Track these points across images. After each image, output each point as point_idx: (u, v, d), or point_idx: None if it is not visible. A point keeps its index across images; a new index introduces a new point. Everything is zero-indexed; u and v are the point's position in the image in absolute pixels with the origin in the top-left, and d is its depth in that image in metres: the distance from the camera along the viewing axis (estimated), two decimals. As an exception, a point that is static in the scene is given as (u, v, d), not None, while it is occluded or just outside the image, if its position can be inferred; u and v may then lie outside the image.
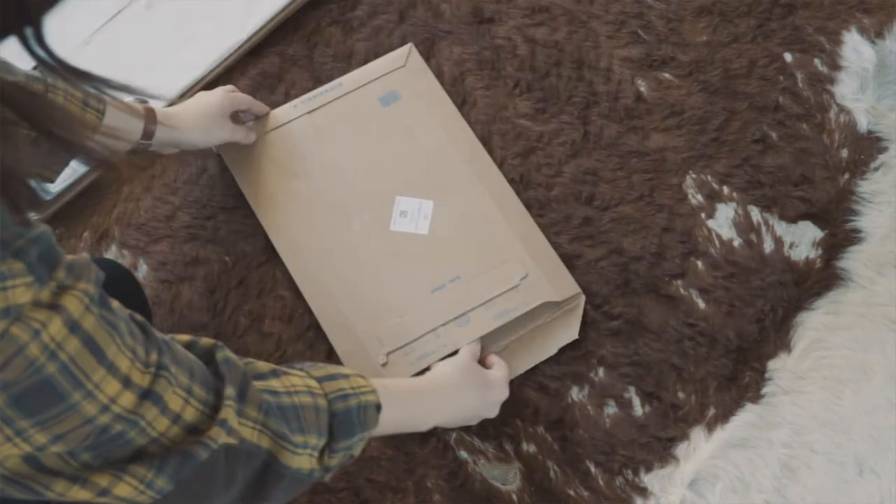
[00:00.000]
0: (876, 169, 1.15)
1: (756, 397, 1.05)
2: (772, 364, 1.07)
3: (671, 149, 1.15)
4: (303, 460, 0.70)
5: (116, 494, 0.59)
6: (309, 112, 1.15)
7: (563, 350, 1.06)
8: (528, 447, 1.04)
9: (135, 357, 0.58)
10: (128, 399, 0.57)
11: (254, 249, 1.13)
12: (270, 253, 1.12)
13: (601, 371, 1.06)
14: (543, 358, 1.06)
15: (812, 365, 1.07)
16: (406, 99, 1.16)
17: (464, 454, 1.04)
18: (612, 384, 1.06)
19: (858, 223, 1.12)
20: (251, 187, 1.12)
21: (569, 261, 1.10)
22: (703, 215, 1.12)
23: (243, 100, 1.11)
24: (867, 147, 1.15)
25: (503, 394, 0.99)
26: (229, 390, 0.65)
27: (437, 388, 0.93)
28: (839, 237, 1.12)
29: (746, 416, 1.05)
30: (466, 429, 1.04)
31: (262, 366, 0.74)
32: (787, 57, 1.20)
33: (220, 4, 1.22)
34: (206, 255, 1.13)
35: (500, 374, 1.00)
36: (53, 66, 0.53)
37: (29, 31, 0.51)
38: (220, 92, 1.09)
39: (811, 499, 1.02)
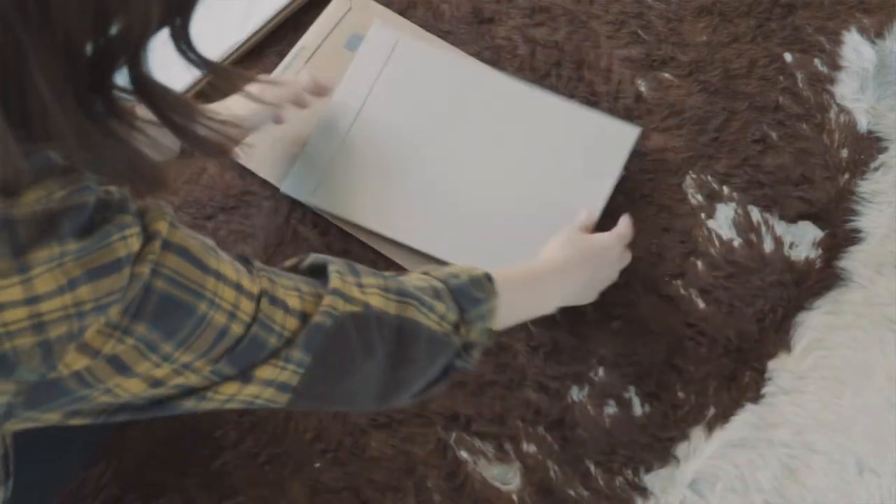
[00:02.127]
0: (876, 169, 1.15)
1: (756, 397, 1.05)
2: (772, 364, 1.07)
3: (671, 149, 1.15)
4: (433, 321, 0.73)
5: (260, 377, 0.63)
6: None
7: (563, 350, 1.06)
8: (528, 447, 1.04)
9: (237, 267, 0.62)
10: (247, 304, 0.61)
11: (254, 249, 1.13)
12: (271, 253, 1.12)
13: (601, 371, 1.06)
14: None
15: (812, 365, 1.07)
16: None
17: (464, 454, 1.04)
18: (612, 384, 1.06)
19: (858, 223, 1.12)
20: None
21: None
22: (703, 215, 1.12)
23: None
24: (867, 147, 1.15)
25: (617, 257, 0.99)
26: (335, 267, 0.70)
27: (545, 270, 0.92)
28: (839, 237, 1.12)
29: (746, 416, 1.05)
30: (466, 429, 1.04)
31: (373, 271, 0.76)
32: (787, 57, 1.20)
33: (220, 4, 1.22)
34: (206, 255, 1.13)
35: (607, 239, 0.99)
36: (192, 57, 0.56)
37: (178, 21, 0.54)
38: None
39: (811, 499, 1.02)
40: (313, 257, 0.74)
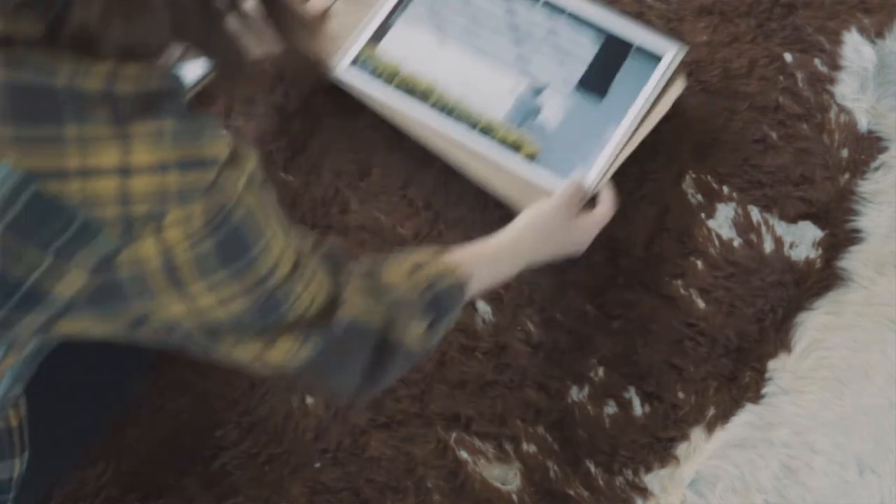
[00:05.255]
0: (876, 169, 1.15)
1: (756, 397, 1.05)
2: (772, 364, 1.07)
3: (671, 149, 1.15)
4: (412, 338, 0.77)
5: (269, 358, 0.67)
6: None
7: (563, 350, 1.06)
8: (528, 447, 1.04)
9: (290, 231, 0.66)
10: (285, 266, 0.64)
11: (254, 249, 1.13)
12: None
13: (601, 371, 1.06)
14: (661, 116, 1.08)
15: (812, 365, 1.07)
16: None
17: (464, 454, 1.04)
18: (612, 384, 1.06)
19: (858, 223, 1.12)
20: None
21: (569, 260, 1.10)
22: (703, 215, 1.12)
23: None
24: (867, 147, 1.15)
25: (591, 238, 1.01)
26: (346, 277, 0.74)
27: (513, 244, 0.94)
28: (839, 237, 1.12)
29: (746, 416, 1.05)
30: (466, 429, 1.04)
31: (367, 261, 0.81)
32: (787, 57, 1.20)
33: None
34: (206, 255, 1.13)
35: (587, 224, 1.00)
36: None
37: None
38: None
39: (811, 499, 1.02)
40: (329, 248, 0.77)
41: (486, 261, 0.90)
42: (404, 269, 0.81)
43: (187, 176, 0.56)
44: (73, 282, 0.56)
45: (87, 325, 0.60)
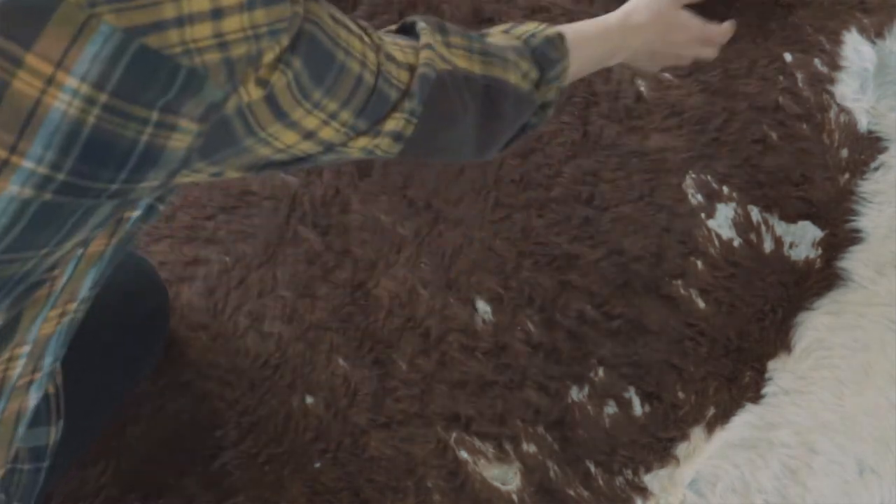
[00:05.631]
0: (876, 169, 1.15)
1: (756, 397, 1.05)
2: (772, 364, 1.07)
3: (671, 149, 1.15)
4: (518, 79, 0.77)
5: (385, 130, 0.68)
6: None
7: (563, 350, 1.06)
8: (528, 447, 1.04)
9: (356, 24, 0.66)
10: (371, 56, 0.65)
11: (254, 249, 1.13)
12: (271, 253, 1.12)
13: (601, 371, 1.06)
14: None
15: (812, 365, 1.07)
16: None
17: (464, 454, 1.04)
18: (612, 384, 1.06)
19: (858, 223, 1.12)
20: None
21: (569, 261, 1.10)
22: (703, 215, 1.12)
23: None
24: (867, 147, 1.15)
25: (696, 41, 0.98)
26: (423, 25, 0.74)
27: (619, 27, 0.92)
28: (839, 237, 1.11)
29: (746, 416, 1.05)
30: (466, 429, 1.04)
31: (453, 27, 0.80)
32: (787, 57, 1.20)
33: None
34: (206, 255, 1.13)
35: (695, 23, 0.98)
36: None
37: None
38: None
39: (811, 499, 1.02)
40: (402, 21, 0.77)
41: (589, 39, 0.88)
42: (498, 29, 0.81)
43: (273, 11, 0.56)
44: (185, 134, 0.55)
45: (203, 176, 0.62)
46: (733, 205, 1.13)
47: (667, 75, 1.19)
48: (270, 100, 0.58)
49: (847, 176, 1.14)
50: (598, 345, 1.07)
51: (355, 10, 1.24)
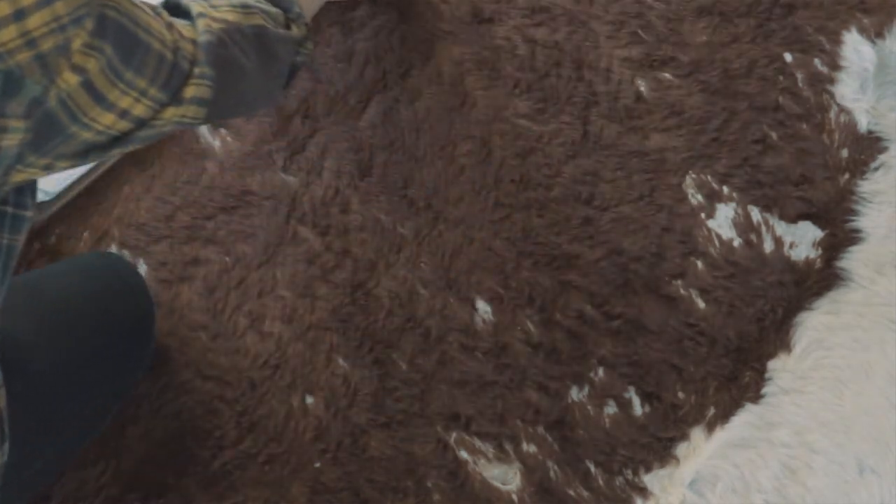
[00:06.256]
0: (876, 169, 1.15)
1: (756, 397, 1.05)
2: (772, 364, 1.07)
3: (671, 149, 1.15)
4: (274, 23, 0.86)
5: (186, 96, 0.73)
6: None
7: (563, 350, 1.06)
8: (528, 447, 1.04)
9: (149, 4, 0.71)
10: (167, 35, 0.70)
11: (254, 249, 1.13)
12: (271, 253, 1.12)
13: (601, 371, 1.06)
14: None
15: (812, 365, 1.07)
16: None
17: (464, 454, 1.04)
18: (612, 384, 1.06)
19: (858, 223, 1.12)
20: None
21: (569, 261, 1.10)
22: (703, 215, 1.12)
23: None
24: (867, 147, 1.15)
25: None
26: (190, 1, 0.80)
27: None
28: (839, 237, 1.12)
29: (746, 416, 1.05)
30: (466, 429, 1.04)
31: None
32: (787, 57, 1.20)
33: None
34: (206, 255, 1.13)
35: None
36: None
37: None
38: None
39: (811, 499, 1.02)
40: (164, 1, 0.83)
41: None
42: None
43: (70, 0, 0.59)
44: (15, 133, 0.59)
45: (35, 171, 0.65)
46: (733, 205, 1.13)
47: (666, 75, 1.19)
48: (88, 85, 0.62)
49: (847, 176, 1.14)
50: (598, 345, 1.07)
51: (355, 10, 1.24)
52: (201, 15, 0.78)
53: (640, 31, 1.21)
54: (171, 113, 0.72)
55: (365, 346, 1.08)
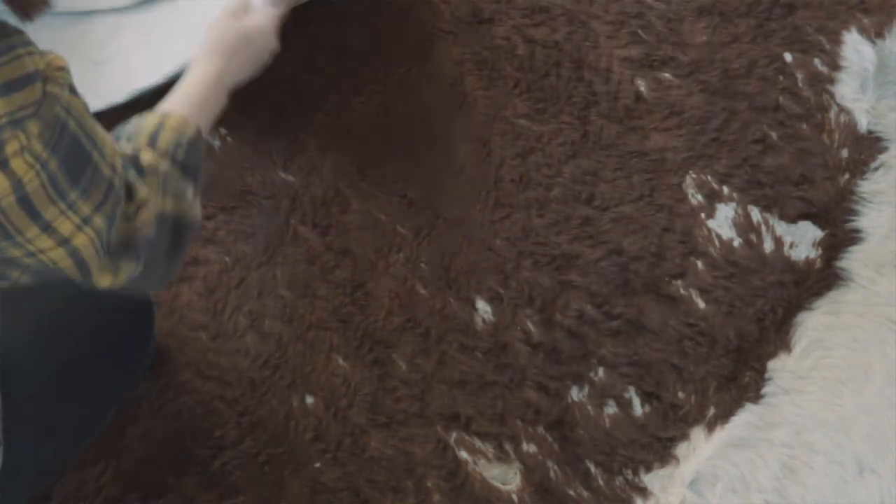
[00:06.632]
0: (876, 169, 1.15)
1: (756, 397, 1.05)
2: (772, 364, 1.07)
3: (671, 149, 1.15)
4: (194, 212, 0.79)
5: (120, 280, 0.69)
6: None
7: (563, 350, 1.06)
8: (528, 447, 1.04)
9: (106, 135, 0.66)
10: (118, 160, 0.65)
11: (254, 249, 1.13)
12: (271, 253, 1.12)
13: (601, 371, 1.06)
14: None
15: (812, 365, 1.07)
16: None
17: (464, 454, 1.04)
18: (612, 384, 1.06)
19: (858, 223, 1.12)
20: None
21: (569, 261, 1.10)
22: (703, 215, 1.12)
23: None
24: (867, 147, 1.15)
25: (270, 34, 0.99)
26: (136, 182, 0.72)
27: (210, 72, 0.91)
28: (839, 237, 1.12)
29: (746, 416, 1.05)
30: (466, 429, 1.04)
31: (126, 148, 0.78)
32: (787, 57, 1.20)
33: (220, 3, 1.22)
34: (206, 255, 1.13)
35: (255, 23, 0.98)
36: None
37: None
38: None
39: (811, 499, 1.02)
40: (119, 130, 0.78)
41: (199, 104, 0.88)
42: (142, 142, 0.78)
43: (14, 99, 0.53)
44: None
45: None
46: (733, 205, 1.13)
47: (666, 75, 1.19)
48: (24, 200, 0.56)
49: (847, 176, 1.14)
50: (598, 345, 1.07)
51: (355, 9, 1.24)
52: (144, 203, 0.72)
53: (639, 31, 1.21)
54: (107, 276, 0.67)
55: (365, 346, 1.08)
